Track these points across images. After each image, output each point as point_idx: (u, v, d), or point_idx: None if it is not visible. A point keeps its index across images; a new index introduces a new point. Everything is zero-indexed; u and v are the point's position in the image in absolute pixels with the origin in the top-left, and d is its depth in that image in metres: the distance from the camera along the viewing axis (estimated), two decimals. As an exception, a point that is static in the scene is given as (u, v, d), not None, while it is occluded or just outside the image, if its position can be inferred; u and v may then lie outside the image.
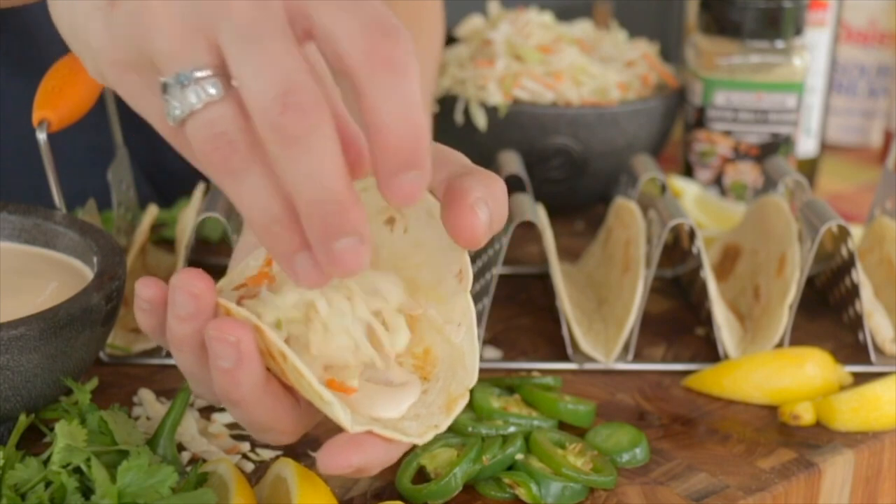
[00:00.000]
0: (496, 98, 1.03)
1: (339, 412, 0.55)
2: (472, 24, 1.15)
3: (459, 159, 0.61)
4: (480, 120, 1.04)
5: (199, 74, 0.50)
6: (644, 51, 1.12)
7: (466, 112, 1.04)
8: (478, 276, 0.83)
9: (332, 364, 0.57)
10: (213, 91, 0.50)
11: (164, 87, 0.51)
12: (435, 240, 0.60)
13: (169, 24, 0.50)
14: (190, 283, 0.55)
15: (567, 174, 1.05)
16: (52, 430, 0.64)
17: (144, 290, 0.57)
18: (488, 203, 0.57)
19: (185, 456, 0.71)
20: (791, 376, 0.79)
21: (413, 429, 0.58)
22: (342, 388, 0.57)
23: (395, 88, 0.49)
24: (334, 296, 0.57)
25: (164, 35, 0.50)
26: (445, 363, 0.60)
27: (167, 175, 1.05)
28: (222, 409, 0.76)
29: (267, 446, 0.72)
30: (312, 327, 0.56)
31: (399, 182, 0.50)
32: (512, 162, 0.94)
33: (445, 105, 1.05)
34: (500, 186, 0.58)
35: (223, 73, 0.50)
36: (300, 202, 0.50)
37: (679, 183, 1.06)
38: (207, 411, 0.76)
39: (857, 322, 0.85)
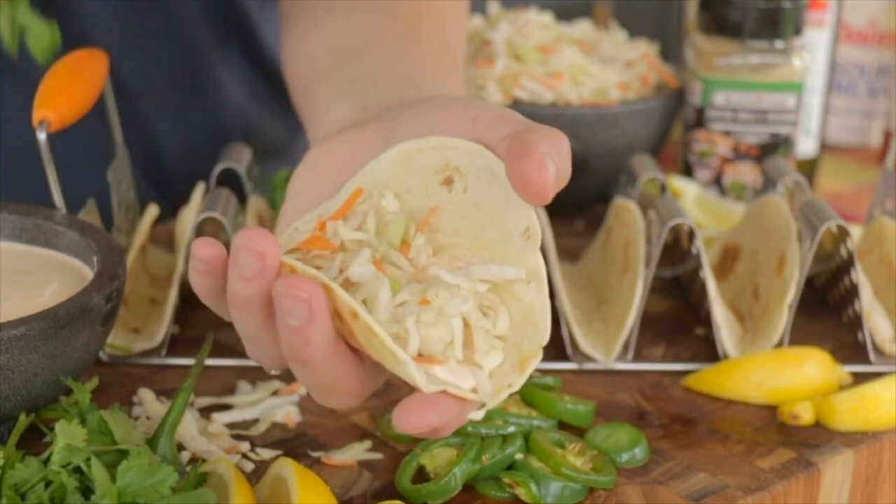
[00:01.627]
0: (496, 98, 1.03)
1: (413, 372, 0.54)
2: (472, 24, 1.15)
3: (517, 117, 0.60)
4: (480, 120, 1.03)
5: None
6: (644, 51, 1.12)
7: (466, 112, 1.04)
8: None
9: (421, 351, 0.56)
10: None
11: None
12: (497, 198, 0.58)
13: None
14: (255, 241, 0.54)
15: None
16: (52, 429, 0.64)
17: (202, 250, 0.56)
18: (555, 158, 0.56)
19: (185, 456, 0.71)
20: (790, 376, 0.79)
21: (487, 388, 0.56)
22: (428, 360, 0.56)
23: None
24: (446, 283, 0.57)
25: None
26: (516, 322, 0.58)
27: (167, 175, 1.05)
28: (222, 409, 0.76)
29: (268, 445, 0.72)
30: (426, 308, 0.56)
31: None
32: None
33: (445, 105, 1.05)
34: (565, 142, 0.57)
35: None
36: None
37: (679, 183, 1.06)
38: (207, 411, 0.76)
39: (857, 322, 0.85)
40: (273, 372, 0.61)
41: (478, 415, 0.56)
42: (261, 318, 0.56)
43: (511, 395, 0.76)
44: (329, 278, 0.56)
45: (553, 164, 0.56)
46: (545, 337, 0.57)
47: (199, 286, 0.57)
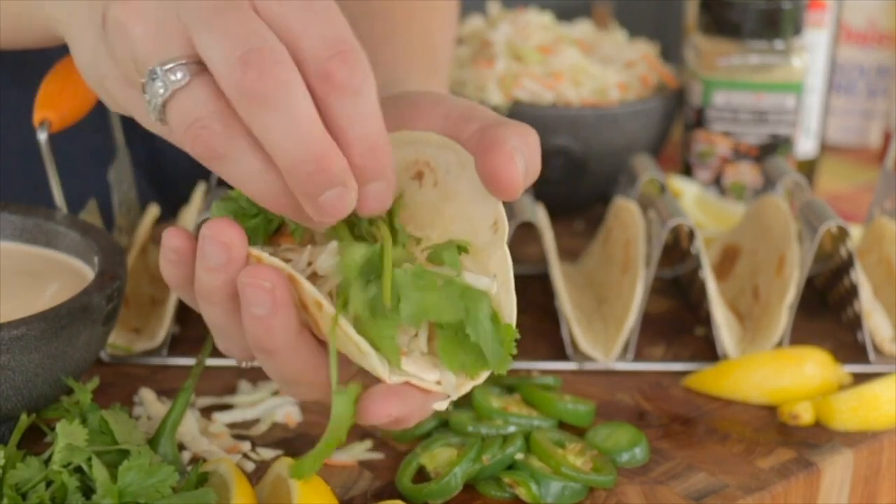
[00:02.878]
0: (496, 99, 1.04)
1: (376, 363, 0.54)
2: (472, 24, 1.15)
3: (488, 112, 0.60)
4: (480, 120, 1.04)
5: (167, 66, 0.52)
6: (644, 51, 1.12)
7: (466, 112, 1.04)
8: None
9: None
10: (178, 76, 0.51)
11: (143, 87, 0.53)
12: (467, 192, 0.58)
13: (143, 25, 0.52)
14: (221, 232, 0.54)
15: (567, 174, 1.05)
16: (53, 429, 0.64)
17: (172, 239, 0.56)
18: (524, 152, 0.56)
19: (186, 455, 0.71)
20: (790, 376, 0.79)
21: (451, 380, 0.57)
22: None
23: (353, 108, 0.52)
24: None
25: (139, 37, 0.52)
26: None
27: (167, 175, 1.06)
28: (223, 409, 0.76)
29: (268, 445, 0.73)
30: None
31: (366, 192, 0.53)
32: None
33: (445, 105, 1.05)
34: (535, 137, 0.58)
35: (195, 62, 0.52)
36: (280, 164, 0.51)
37: (678, 183, 1.07)
38: (208, 411, 0.76)
39: (857, 322, 0.86)
40: (245, 364, 0.61)
41: (441, 405, 0.57)
42: (227, 308, 0.56)
43: (511, 395, 0.76)
44: (297, 270, 0.56)
45: (522, 159, 0.56)
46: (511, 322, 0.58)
47: (170, 275, 0.57)
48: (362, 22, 0.81)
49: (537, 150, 0.57)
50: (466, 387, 0.57)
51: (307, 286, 0.54)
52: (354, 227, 0.58)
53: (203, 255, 0.54)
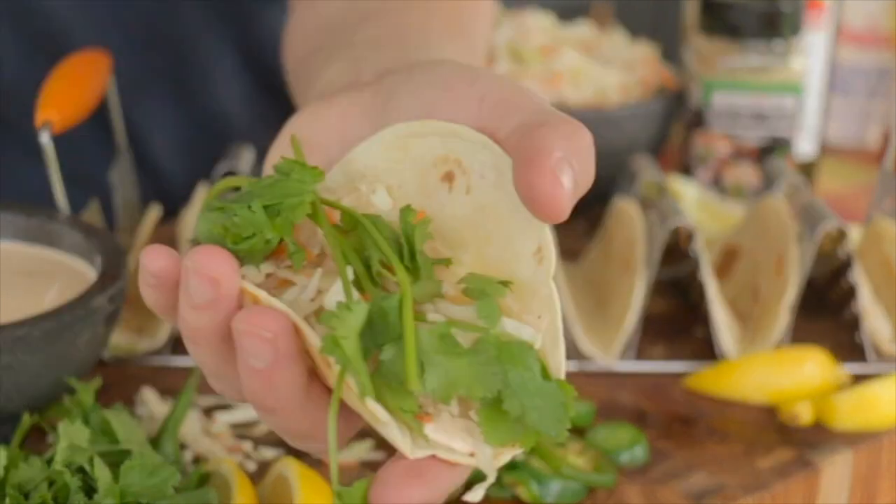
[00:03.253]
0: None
1: (396, 434, 0.44)
2: (472, 25, 1.16)
3: (531, 100, 0.49)
4: (481, 121, 1.04)
5: None
6: (644, 52, 1.12)
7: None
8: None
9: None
10: None
11: None
12: (506, 205, 0.48)
13: None
14: (207, 264, 0.46)
15: (567, 175, 1.05)
16: (55, 429, 0.64)
17: (152, 262, 0.47)
18: (573, 164, 0.46)
19: (188, 455, 0.71)
20: (790, 376, 0.79)
21: (486, 452, 0.46)
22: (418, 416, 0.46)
23: None
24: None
25: None
26: None
27: (168, 176, 1.06)
28: (225, 408, 0.76)
29: (270, 444, 0.73)
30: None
31: None
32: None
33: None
34: (587, 140, 0.47)
35: None
36: None
37: (678, 184, 1.07)
38: (210, 411, 0.76)
39: (856, 322, 0.86)
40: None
41: (476, 495, 0.46)
42: (217, 351, 0.47)
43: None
44: (305, 301, 0.47)
45: (570, 174, 0.46)
46: (561, 375, 0.47)
47: (151, 301, 0.48)
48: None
49: (589, 157, 0.47)
50: (505, 457, 0.46)
51: (312, 338, 0.45)
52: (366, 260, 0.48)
53: (186, 290, 0.46)
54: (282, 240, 0.48)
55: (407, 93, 0.52)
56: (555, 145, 0.46)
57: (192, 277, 0.46)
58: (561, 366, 0.47)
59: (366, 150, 0.51)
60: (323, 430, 0.47)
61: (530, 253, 0.47)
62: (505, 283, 0.47)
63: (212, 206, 0.49)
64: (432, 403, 0.46)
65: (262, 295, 0.46)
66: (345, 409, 0.46)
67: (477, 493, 0.46)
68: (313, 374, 0.47)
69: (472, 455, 0.46)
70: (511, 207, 0.47)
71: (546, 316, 0.47)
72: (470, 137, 0.49)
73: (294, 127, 0.55)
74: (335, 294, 0.46)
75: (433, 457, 0.45)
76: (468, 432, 0.46)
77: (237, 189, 0.50)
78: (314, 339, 0.45)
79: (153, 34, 1.00)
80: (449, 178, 0.49)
